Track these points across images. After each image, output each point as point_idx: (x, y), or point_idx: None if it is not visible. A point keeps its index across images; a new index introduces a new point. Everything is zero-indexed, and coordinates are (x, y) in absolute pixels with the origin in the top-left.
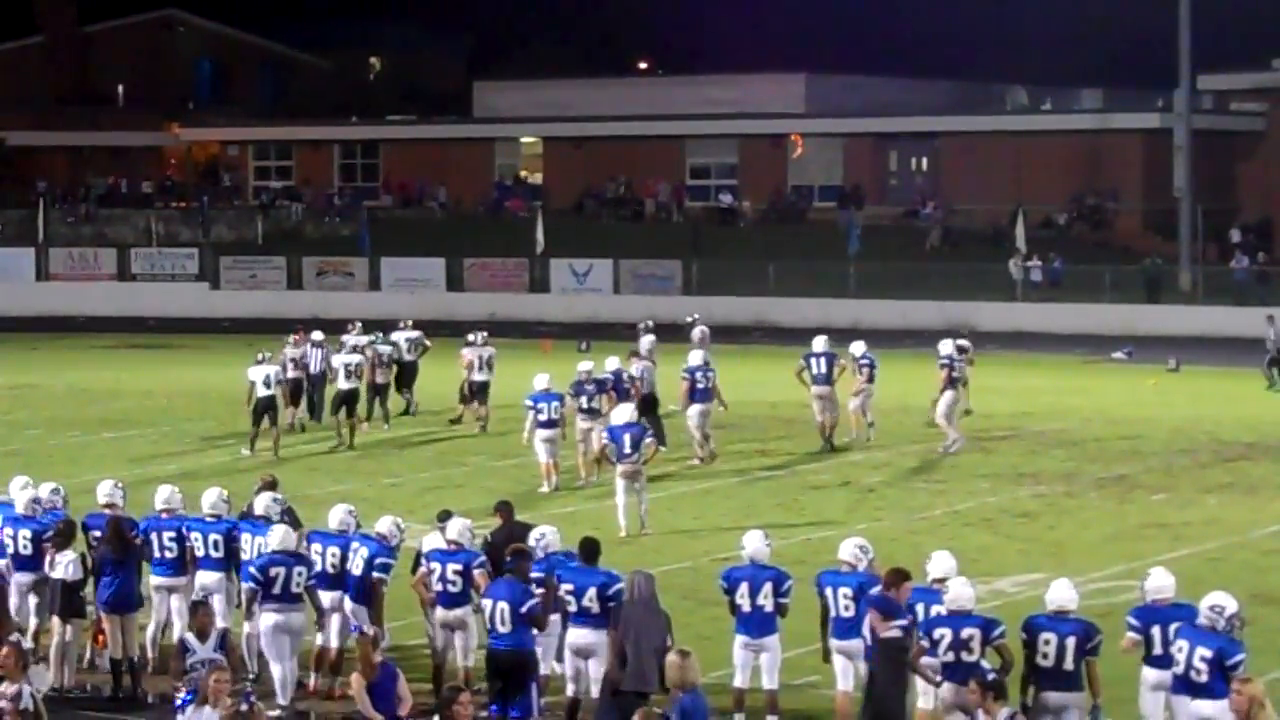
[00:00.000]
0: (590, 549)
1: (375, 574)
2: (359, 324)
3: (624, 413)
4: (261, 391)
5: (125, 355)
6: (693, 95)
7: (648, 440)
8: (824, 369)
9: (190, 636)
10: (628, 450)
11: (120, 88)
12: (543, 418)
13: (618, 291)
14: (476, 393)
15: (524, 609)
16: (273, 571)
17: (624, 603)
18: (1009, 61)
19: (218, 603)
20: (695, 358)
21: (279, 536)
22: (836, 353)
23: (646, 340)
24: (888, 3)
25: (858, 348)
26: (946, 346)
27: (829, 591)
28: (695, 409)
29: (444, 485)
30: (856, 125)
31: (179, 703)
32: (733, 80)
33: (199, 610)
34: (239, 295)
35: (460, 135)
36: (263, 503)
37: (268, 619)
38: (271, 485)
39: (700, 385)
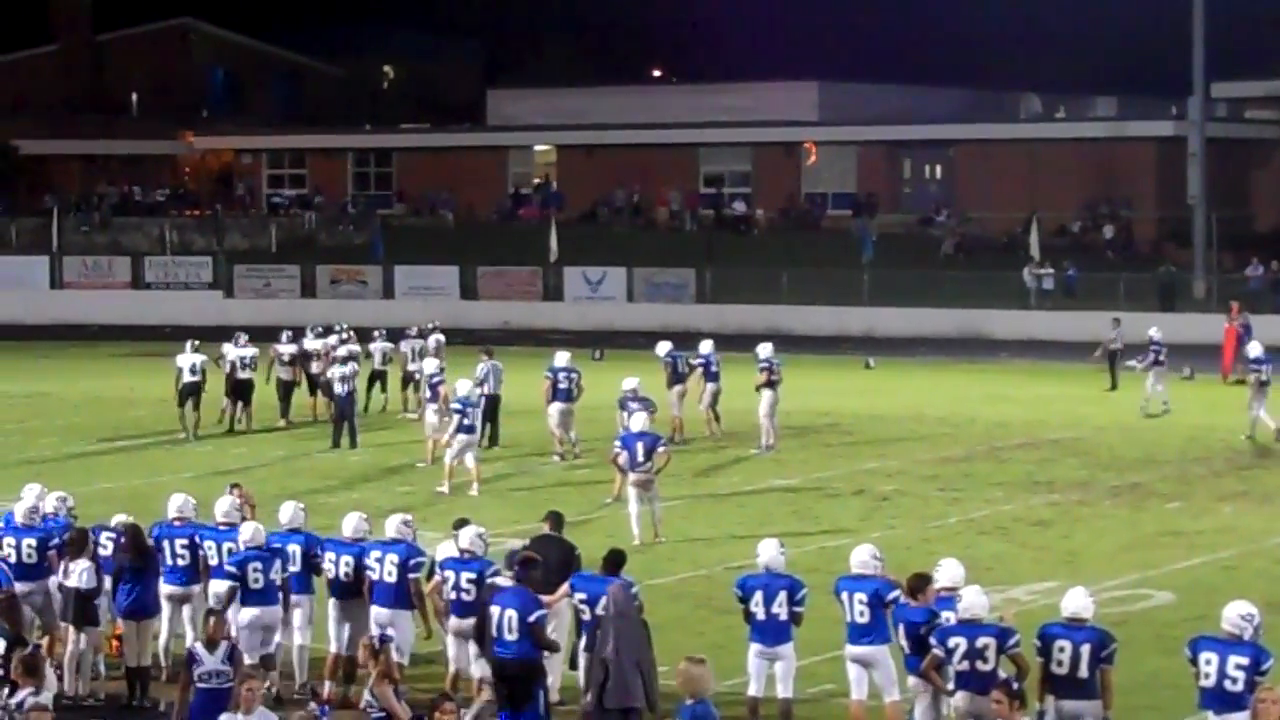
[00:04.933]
0: (615, 559)
1: (412, 575)
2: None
3: (639, 421)
4: (187, 378)
5: (139, 363)
6: (706, 103)
7: (660, 449)
8: (566, 384)
9: (199, 647)
10: (640, 459)
11: (134, 96)
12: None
13: (631, 300)
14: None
15: (532, 618)
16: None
17: (602, 617)
18: (1023, 69)
19: (231, 612)
20: (561, 359)
21: (251, 532)
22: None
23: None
24: (901, 10)
25: (705, 346)
26: (765, 350)
27: (845, 596)
28: (556, 407)
29: (457, 493)
30: (870, 133)
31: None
32: (746, 88)
33: (212, 620)
34: (253, 303)
35: (474, 143)
36: (288, 512)
37: (246, 614)
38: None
39: (562, 385)
